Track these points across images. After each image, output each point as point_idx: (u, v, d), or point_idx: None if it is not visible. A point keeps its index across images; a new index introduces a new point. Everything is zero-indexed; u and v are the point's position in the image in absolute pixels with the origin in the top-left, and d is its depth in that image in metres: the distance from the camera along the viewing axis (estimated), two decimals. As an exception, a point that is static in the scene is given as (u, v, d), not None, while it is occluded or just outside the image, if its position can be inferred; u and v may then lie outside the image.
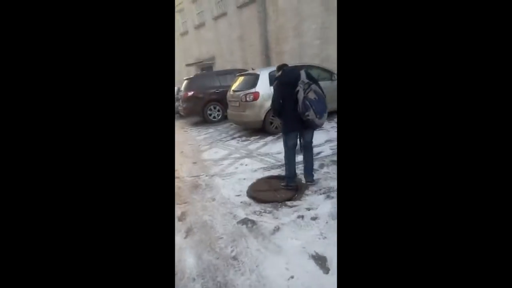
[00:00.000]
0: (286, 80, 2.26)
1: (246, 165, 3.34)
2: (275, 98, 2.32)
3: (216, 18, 10.48)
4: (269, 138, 4.39)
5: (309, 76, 2.29)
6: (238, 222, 2.07)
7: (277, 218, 2.06)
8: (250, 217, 2.12)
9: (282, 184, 2.54)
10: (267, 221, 2.03)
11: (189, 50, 12.89)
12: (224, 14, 9.98)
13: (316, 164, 2.95)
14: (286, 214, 2.08)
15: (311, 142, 2.47)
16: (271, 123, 4.52)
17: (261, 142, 4.25)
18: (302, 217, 2.02)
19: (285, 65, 2.53)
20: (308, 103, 2.12)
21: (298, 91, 2.15)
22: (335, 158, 3.11)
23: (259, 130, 4.68)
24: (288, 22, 7.55)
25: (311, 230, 1.83)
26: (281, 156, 3.35)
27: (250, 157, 3.60)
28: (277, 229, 1.91)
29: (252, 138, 4.54)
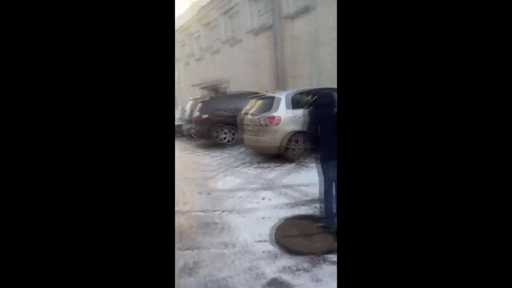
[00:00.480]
0: (323, 103, 2.08)
1: (268, 199, 2.88)
2: (311, 123, 2.11)
3: (232, 44, 10.65)
4: (289, 166, 3.96)
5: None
6: (267, 284, 1.58)
7: (320, 281, 1.56)
8: (281, 278, 1.63)
9: (321, 225, 2.08)
10: (307, 287, 1.53)
11: (203, 74, 13.09)
12: (239, 41, 10.13)
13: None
14: (331, 276, 1.57)
15: None
16: (293, 149, 4.11)
17: (280, 170, 3.81)
18: (354, 281, 1.51)
19: (318, 90, 2.43)
20: None
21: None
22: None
23: (276, 156, 4.27)
24: (304, 47, 7.46)
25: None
26: (308, 189, 2.91)
27: (271, 189, 3.16)
28: (323, 300, 1.41)
29: (269, 165, 4.11)
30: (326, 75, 6.93)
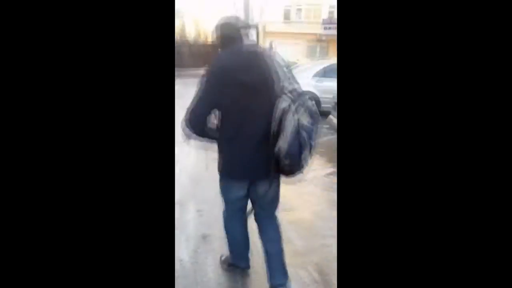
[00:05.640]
0: (242, 78, 1.02)
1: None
2: (202, 106, 1.06)
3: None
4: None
5: (289, 68, 1.12)
6: None
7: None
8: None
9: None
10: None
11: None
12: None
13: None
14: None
15: (276, 204, 1.23)
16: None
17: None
18: None
19: (228, 24, 1.13)
20: (305, 136, 0.99)
21: (285, 110, 0.98)
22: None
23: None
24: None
25: None
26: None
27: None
28: None
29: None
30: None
